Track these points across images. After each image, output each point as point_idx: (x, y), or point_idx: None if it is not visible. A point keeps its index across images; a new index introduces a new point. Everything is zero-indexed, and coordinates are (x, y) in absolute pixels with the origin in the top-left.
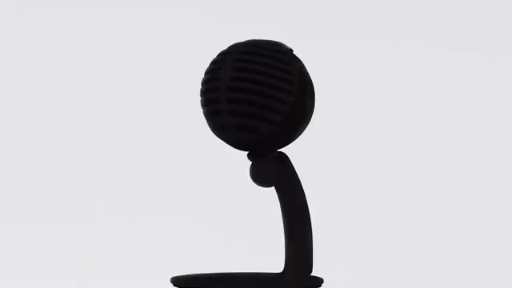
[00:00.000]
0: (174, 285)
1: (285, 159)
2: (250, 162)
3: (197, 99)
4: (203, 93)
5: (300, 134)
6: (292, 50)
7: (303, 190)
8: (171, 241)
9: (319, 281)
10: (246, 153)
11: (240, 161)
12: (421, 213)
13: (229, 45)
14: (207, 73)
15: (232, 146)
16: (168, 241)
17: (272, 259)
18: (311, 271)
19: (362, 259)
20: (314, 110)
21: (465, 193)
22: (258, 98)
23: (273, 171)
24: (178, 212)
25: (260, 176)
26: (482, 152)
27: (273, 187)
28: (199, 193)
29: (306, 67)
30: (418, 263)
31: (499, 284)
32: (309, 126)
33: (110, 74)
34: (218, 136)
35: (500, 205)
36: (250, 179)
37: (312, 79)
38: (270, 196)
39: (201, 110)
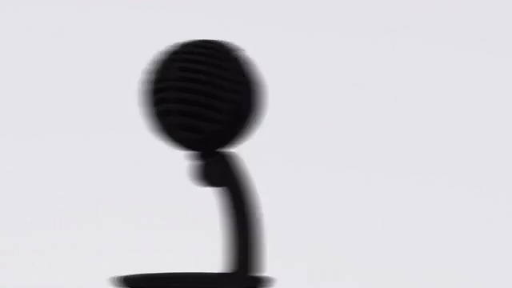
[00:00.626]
0: (117, 285)
1: (232, 159)
2: (196, 163)
3: None
4: (151, 92)
5: (247, 133)
6: (242, 50)
7: (253, 190)
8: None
9: (268, 281)
10: (193, 152)
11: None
12: (420, 212)
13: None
14: (154, 72)
15: (178, 145)
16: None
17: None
18: (259, 271)
19: (362, 259)
20: (264, 110)
21: (465, 192)
22: (202, 98)
23: (220, 171)
24: (178, 212)
25: (207, 176)
26: (481, 152)
27: (219, 187)
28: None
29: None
30: (418, 263)
31: (499, 284)
32: (309, 125)
33: (109, 75)
34: (164, 136)
35: (500, 204)
36: (196, 180)
37: (260, 78)
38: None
39: None
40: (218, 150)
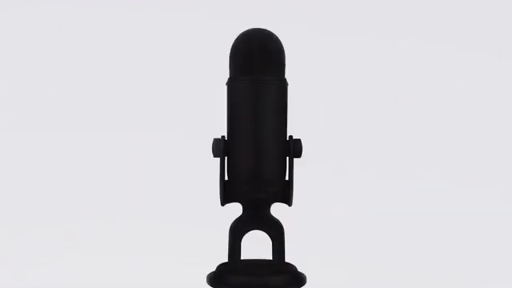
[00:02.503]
0: None
1: None
2: None
3: (193, 99)
4: None
5: None
6: None
7: None
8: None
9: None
10: None
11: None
12: (420, 213)
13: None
14: None
15: None
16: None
17: None
18: None
19: (362, 258)
20: None
21: (465, 192)
22: None
23: None
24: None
25: None
26: (481, 151)
27: None
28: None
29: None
30: (416, 263)
31: (498, 284)
32: (307, 125)
33: (109, 75)
34: None
35: (498, 203)
36: None
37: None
38: None
39: (197, 110)
40: None
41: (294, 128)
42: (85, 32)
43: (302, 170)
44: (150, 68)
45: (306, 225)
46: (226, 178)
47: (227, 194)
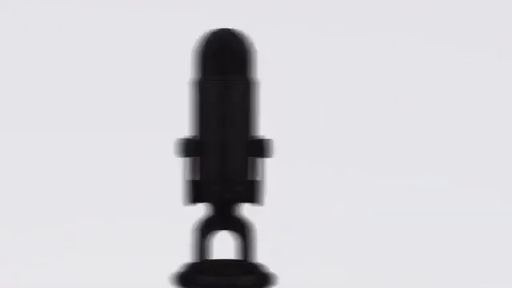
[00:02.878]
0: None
1: None
2: None
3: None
4: None
5: None
6: None
7: None
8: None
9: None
10: None
11: None
12: (420, 213)
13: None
14: None
15: None
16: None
17: None
18: None
19: (362, 259)
20: None
21: (465, 192)
22: None
23: None
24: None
25: None
26: (479, 152)
27: None
28: None
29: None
30: (416, 263)
31: (498, 284)
32: (307, 124)
33: (109, 74)
34: None
35: (498, 203)
36: None
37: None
38: None
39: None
40: None
41: (294, 128)
42: (85, 32)
43: (301, 170)
44: (150, 68)
45: (306, 225)
46: (195, 178)
47: (196, 194)
